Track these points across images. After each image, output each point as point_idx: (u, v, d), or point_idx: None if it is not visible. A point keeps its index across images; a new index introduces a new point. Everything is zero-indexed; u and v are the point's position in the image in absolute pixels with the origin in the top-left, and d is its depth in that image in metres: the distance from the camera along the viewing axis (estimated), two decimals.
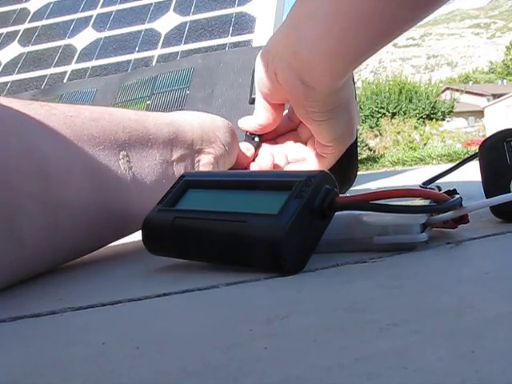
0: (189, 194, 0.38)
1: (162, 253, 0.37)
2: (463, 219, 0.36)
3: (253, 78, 0.81)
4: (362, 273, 0.30)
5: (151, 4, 1.32)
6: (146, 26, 1.27)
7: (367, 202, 0.32)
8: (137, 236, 0.61)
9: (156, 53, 1.18)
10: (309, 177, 0.32)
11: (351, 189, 0.71)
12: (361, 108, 14.09)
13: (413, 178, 1.64)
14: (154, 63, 1.15)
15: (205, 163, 0.53)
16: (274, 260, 0.30)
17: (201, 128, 0.52)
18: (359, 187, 1.19)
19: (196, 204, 0.36)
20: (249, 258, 0.32)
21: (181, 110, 0.88)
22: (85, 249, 0.42)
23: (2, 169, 0.32)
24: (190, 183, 0.38)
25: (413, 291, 0.25)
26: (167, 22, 1.25)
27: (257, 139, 0.60)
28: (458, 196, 0.35)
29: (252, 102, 0.78)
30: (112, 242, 0.45)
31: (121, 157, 0.42)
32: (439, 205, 0.34)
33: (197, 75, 0.93)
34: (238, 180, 0.37)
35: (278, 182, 0.34)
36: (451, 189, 0.39)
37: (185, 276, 0.33)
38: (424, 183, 0.53)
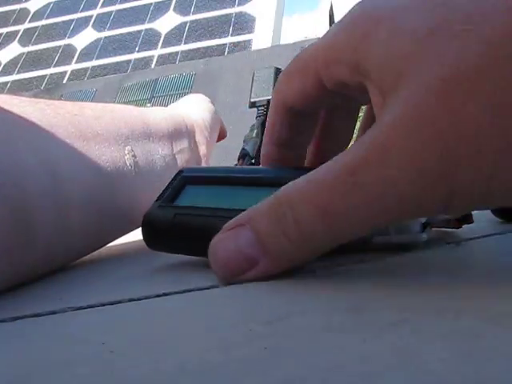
0: (187, 189, 0.37)
1: (162, 249, 0.37)
2: (467, 219, 0.36)
3: (252, 81, 0.81)
4: (362, 273, 0.30)
5: (151, 4, 1.32)
6: (146, 25, 1.27)
7: None
8: (136, 236, 0.61)
9: (156, 53, 1.19)
10: None
11: None
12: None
13: None
14: (154, 63, 1.16)
15: (203, 154, 0.53)
16: None
17: (194, 118, 0.53)
18: None
19: (196, 200, 0.36)
20: None
21: None
22: (94, 245, 0.43)
23: (13, 170, 0.32)
24: (188, 179, 0.38)
25: (413, 291, 0.25)
26: (167, 22, 1.26)
27: None
28: None
29: (251, 105, 0.78)
30: (119, 236, 0.46)
31: (126, 152, 0.43)
32: None
33: (198, 81, 0.93)
34: (238, 176, 0.37)
35: (279, 178, 0.34)
36: None
37: (185, 276, 0.33)
38: None
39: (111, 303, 0.28)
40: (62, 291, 0.33)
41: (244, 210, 0.33)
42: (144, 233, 0.37)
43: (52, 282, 0.36)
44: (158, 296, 0.28)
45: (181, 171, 0.39)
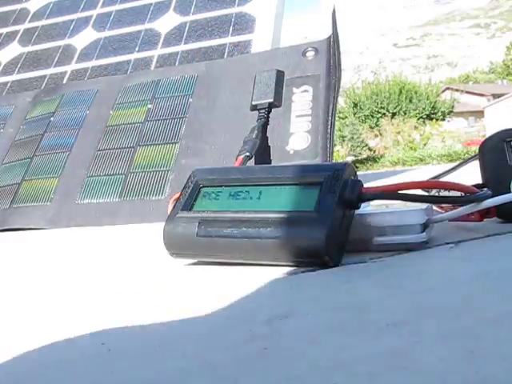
0: (205, 193, 0.36)
1: (187, 257, 0.36)
2: (490, 213, 0.36)
3: (254, 84, 0.81)
4: (362, 273, 0.30)
5: (151, 4, 1.32)
6: (146, 25, 1.27)
7: (394, 192, 0.32)
8: (135, 234, 0.61)
9: (156, 53, 1.18)
10: (335, 170, 0.33)
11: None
12: (361, 108, 14.10)
13: (413, 177, 1.63)
14: (154, 63, 1.15)
15: None
16: (317, 257, 0.30)
17: None
18: None
19: (217, 205, 0.35)
20: (289, 256, 0.31)
21: (183, 117, 0.87)
22: None
23: None
24: (202, 182, 0.37)
25: (413, 291, 0.25)
26: (167, 22, 1.26)
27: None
28: (486, 189, 0.35)
29: (253, 108, 0.78)
30: None
31: None
32: (472, 196, 0.34)
33: (200, 83, 0.93)
34: (258, 177, 0.35)
35: (304, 176, 0.34)
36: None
37: (185, 275, 0.33)
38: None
39: (112, 302, 0.28)
40: (63, 291, 0.33)
41: (276, 211, 0.32)
42: (167, 244, 0.35)
43: (53, 280, 0.36)
44: (158, 295, 0.28)
45: (194, 174, 0.38)
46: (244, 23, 1.17)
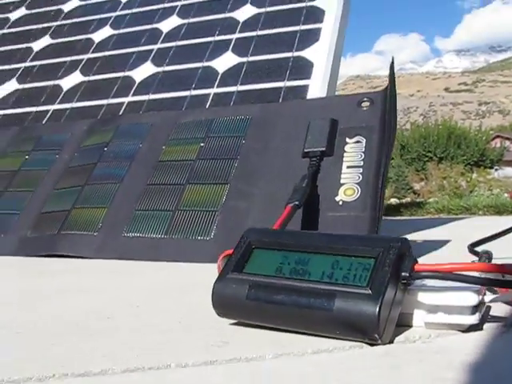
0: (257, 255, 0.36)
1: (233, 318, 0.36)
2: None
3: (307, 131, 0.81)
4: (411, 356, 0.29)
5: (211, 42, 1.36)
6: (205, 63, 1.30)
7: (449, 272, 0.32)
8: (179, 276, 0.61)
9: (212, 91, 1.21)
10: (391, 245, 0.32)
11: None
12: (408, 150, 13.98)
13: (459, 228, 1.59)
14: (209, 101, 1.18)
15: None
16: (367, 334, 0.30)
17: None
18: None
19: (269, 268, 0.35)
20: (339, 330, 0.31)
21: (234, 159, 0.87)
22: None
23: None
24: (255, 243, 0.37)
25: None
26: (225, 62, 1.28)
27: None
28: None
29: (304, 155, 0.78)
30: None
31: None
32: None
33: (254, 125, 0.93)
34: (312, 244, 0.35)
35: (359, 249, 0.33)
36: None
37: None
38: (472, 245, 0.52)
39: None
40: (93, 323, 0.33)
41: (328, 283, 0.32)
42: (216, 305, 0.35)
43: (81, 312, 0.36)
44: (205, 364, 0.28)
45: (246, 235, 0.38)
46: (301, 68, 1.19)
